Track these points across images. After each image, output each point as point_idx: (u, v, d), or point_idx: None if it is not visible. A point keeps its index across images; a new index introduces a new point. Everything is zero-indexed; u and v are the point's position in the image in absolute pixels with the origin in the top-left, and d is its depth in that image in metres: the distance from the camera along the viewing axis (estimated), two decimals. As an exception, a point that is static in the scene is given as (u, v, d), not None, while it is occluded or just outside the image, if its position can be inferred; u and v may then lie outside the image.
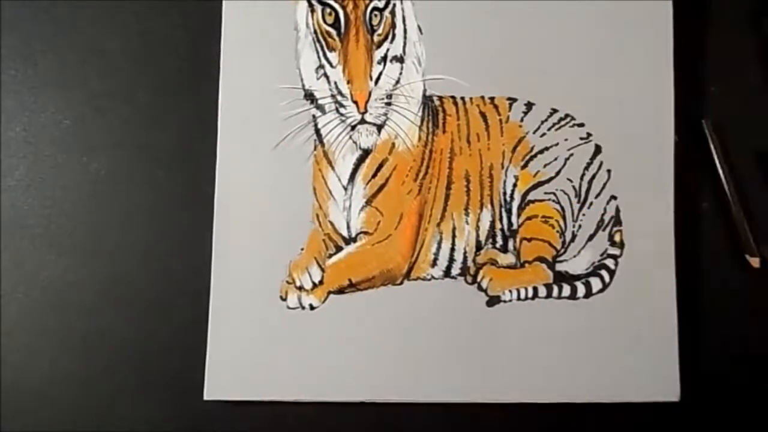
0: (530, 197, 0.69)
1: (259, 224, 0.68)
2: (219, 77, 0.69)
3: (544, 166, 0.69)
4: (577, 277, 0.68)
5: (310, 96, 0.69)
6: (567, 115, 0.69)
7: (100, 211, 0.71)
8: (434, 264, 0.68)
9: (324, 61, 0.69)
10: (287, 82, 0.69)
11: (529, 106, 0.69)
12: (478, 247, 0.69)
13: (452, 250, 0.68)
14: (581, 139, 0.69)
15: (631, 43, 0.70)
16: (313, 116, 0.69)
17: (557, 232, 0.69)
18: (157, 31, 0.72)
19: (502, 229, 0.69)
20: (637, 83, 0.69)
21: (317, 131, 0.69)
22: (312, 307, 0.67)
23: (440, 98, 0.69)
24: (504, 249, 0.69)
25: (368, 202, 0.68)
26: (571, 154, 0.69)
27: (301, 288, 0.67)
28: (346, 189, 0.69)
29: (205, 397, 0.66)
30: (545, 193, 0.69)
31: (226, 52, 0.69)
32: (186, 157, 0.70)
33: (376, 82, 0.69)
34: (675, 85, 0.69)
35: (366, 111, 0.68)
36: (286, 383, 0.67)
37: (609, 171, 0.69)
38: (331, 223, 0.68)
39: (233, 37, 0.69)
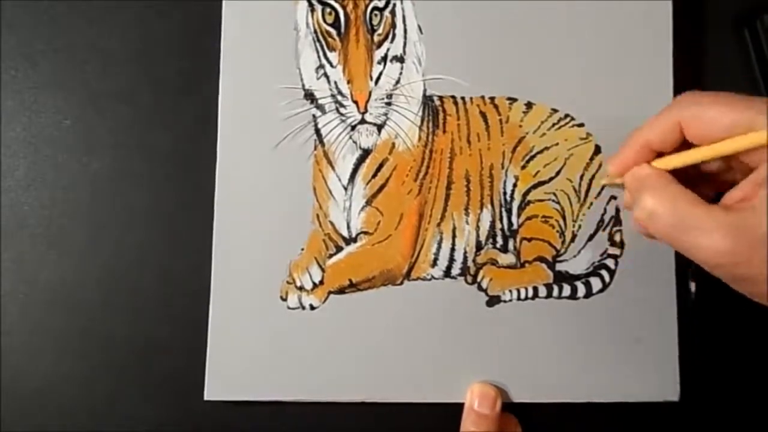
0: (530, 197, 0.69)
1: (259, 224, 0.68)
2: (219, 77, 0.69)
3: (544, 166, 0.69)
4: (578, 277, 0.68)
5: (310, 96, 0.69)
6: (567, 115, 0.69)
7: (100, 211, 0.71)
8: (434, 264, 0.68)
9: (324, 61, 0.69)
10: (287, 82, 0.69)
11: (529, 105, 0.69)
12: (479, 247, 0.68)
13: (452, 250, 0.68)
14: (581, 139, 0.69)
15: (631, 43, 0.70)
16: (313, 116, 0.69)
17: (557, 232, 0.69)
18: (157, 31, 0.72)
19: (502, 229, 0.69)
20: (637, 83, 0.69)
21: (317, 131, 0.68)
22: (312, 307, 0.67)
23: (440, 98, 0.69)
24: (504, 249, 0.69)
25: (368, 202, 0.68)
26: (571, 154, 0.69)
27: (301, 288, 0.67)
28: (346, 189, 0.68)
29: (206, 397, 0.66)
30: (545, 193, 0.69)
31: (225, 52, 0.69)
32: (186, 157, 0.70)
33: (376, 82, 0.69)
34: (674, 84, 0.69)
35: (366, 111, 0.68)
36: (286, 383, 0.67)
37: (609, 171, 0.69)
38: (332, 223, 0.68)
39: (233, 36, 0.69)
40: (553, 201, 0.69)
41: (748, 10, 0.72)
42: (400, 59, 0.69)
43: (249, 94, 0.68)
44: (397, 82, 0.69)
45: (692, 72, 0.72)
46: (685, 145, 0.55)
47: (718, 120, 0.52)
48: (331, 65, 0.69)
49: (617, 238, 0.69)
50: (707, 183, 0.57)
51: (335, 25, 0.69)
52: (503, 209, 0.69)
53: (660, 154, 0.56)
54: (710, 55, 0.73)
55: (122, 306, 0.70)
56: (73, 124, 0.72)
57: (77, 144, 0.71)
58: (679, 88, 0.69)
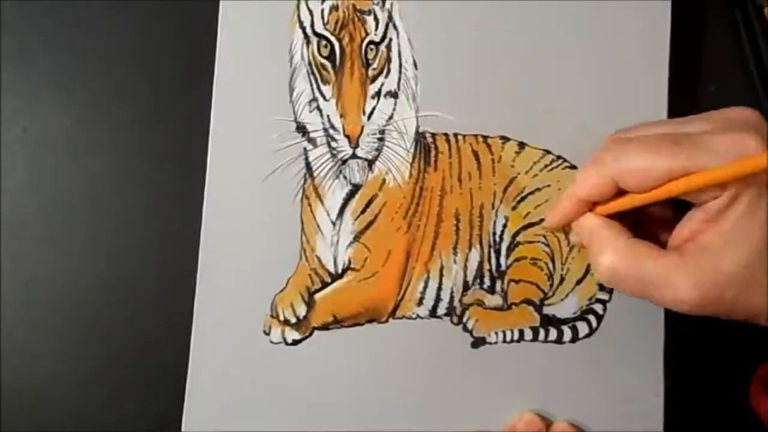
0: (520, 238, 0.68)
1: (245, 256, 0.67)
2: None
3: (535, 207, 0.68)
4: (564, 321, 0.68)
5: (301, 129, 0.68)
6: (559, 157, 0.68)
7: (100, 211, 0.71)
8: (420, 303, 0.68)
9: (317, 94, 0.67)
10: (280, 114, 0.68)
11: (522, 146, 0.68)
12: (466, 287, 0.68)
13: (439, 289, 0.68)
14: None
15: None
16: (304, 149, 0.68)
17: (546, 274, 0.68)
18: (157, 31, 0.72)
19: (490, 270, 0.68)
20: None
21: (308, 164, 0.68)
22: (295, 342, 0.67)
23: (433, 135, 0.68)
24: (491, 290, 0.68)
25: (356, 238, 0.68)
26: (563, 196, 0.68)
27: (285, 322, 0.67)
28: (334, 224, 0.68)
29: (184, 429, 0.67)
30: (535, 234, 0.68)
31: (219, 82, 0.68)
32: (187, 157, 0.70)
33: (369, 117, 0.67)
34: (674, 84, 0.68)
35: (358, 146, 0.67)
36: (267, 419, 0.67)
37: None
38: (318, 258, 0.68)
39: (226, 66, 0.68)
40: (543, 243, 0.68)
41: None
42: (394, 95, 0.68)
43: (240, 127, 0.67)
44: (390, 117, 0.68)
45: (692, 72, 0.72)
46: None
47: (651, 171, 0.52)
48: (325, 98, 0.67)
49: (606, 282, 0.68)
50: (648, 222, 0.58)
51: (330, 58, 0.67)
52: (492, 250, 0.68)
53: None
54: (710, 55, 0.72)
55: (122, 306, 0.71)
56: (73, 124, 0.72)
57: (77, 144, 0.71)
58: (679, 87, 0.68)
